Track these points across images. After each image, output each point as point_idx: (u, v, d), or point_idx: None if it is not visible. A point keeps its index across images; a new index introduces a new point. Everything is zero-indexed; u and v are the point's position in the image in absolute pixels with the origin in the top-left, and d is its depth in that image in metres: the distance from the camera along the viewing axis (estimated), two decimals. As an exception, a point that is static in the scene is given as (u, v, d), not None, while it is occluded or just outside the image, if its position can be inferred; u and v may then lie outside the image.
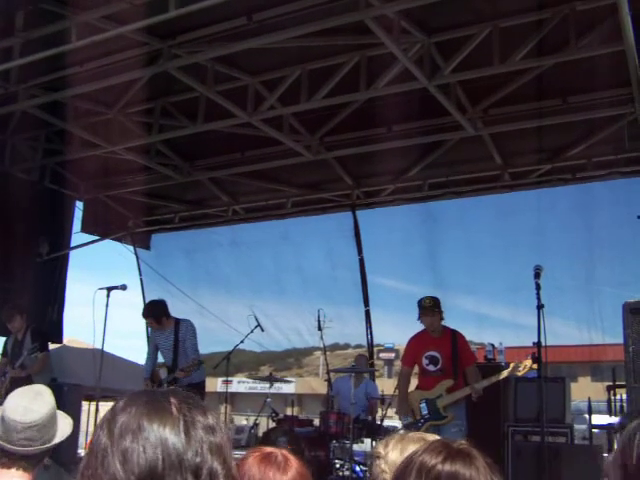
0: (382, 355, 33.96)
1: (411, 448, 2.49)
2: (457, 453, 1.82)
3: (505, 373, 7.09)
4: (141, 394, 1.34)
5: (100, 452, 1.25)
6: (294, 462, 2.06)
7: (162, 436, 1.22)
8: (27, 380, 8.31)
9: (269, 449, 2.14)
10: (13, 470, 2.71)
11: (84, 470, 1.25)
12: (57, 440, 2.83)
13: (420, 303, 7.37)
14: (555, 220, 10.13)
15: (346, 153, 9.84)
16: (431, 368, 7.35)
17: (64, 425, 2.93)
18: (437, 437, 2.53)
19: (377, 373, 27.42)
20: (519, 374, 7.01)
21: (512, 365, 7.03)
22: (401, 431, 8.19)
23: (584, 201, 9.68)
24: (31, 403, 2.53)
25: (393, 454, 2.52)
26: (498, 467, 1.78)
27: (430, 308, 7.30)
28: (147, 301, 9.03)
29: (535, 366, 6.60)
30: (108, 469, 1.22)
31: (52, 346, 10.62)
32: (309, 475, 2.06)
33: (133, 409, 1.27)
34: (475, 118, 8.54)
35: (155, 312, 8.68)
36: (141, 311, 8.89)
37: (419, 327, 7.58)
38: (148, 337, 9.43)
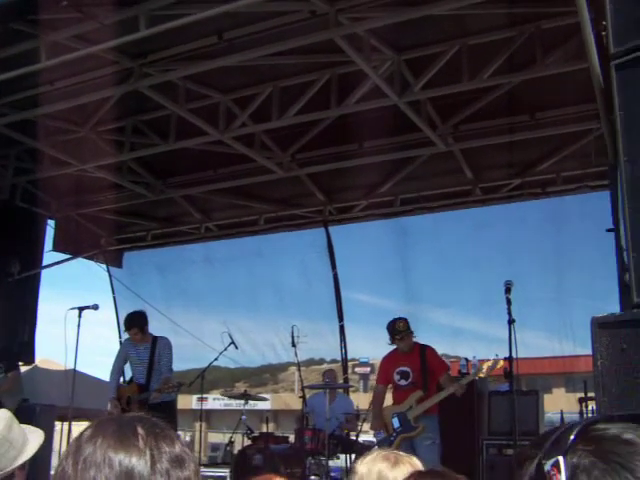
0: (357, 369, 33.96)
1: (379, 464, 2.55)
2: (430, 474, 1.87)
3: (481, 374, 7.15)
4: (108, 423, 1.32)
5: None
6: None
7: (127, 469, 1.21)
8: (-7, 400, 8.23)
9: (278, 478, 2.11)
10: None
11: None
12: (20, 461, 2.78)
13: (394, 327, 7.45)
14: (526, 233, 10.23)
15: (318, 170, 9.88)
16: (402, 383, 7.46)
17: (34, 441, 2.89)
18: (415, 459, 2.58)
19: (353, 388, 27.41)
20: (490, 375, 7.07)
21: (487, 365, 7.08)
22: (375, 447, 8.22)
23: (554, 215, 9.79)
24: None
25: (362, 468, 2.58)
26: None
27: (407, 331, 7.42)
28: (126, 315, 8.94)
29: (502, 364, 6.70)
30: None
31: (24, 367, 10.52)
32: None
33: (99, 440, 1.25)
34: (446, 134, 8.63)
35: (141, 322, 8.64)
36: (123, 323, 8.81)
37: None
38: (119, 351, 9.33)
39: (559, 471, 0.98)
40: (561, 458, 0.99)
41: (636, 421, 1.04)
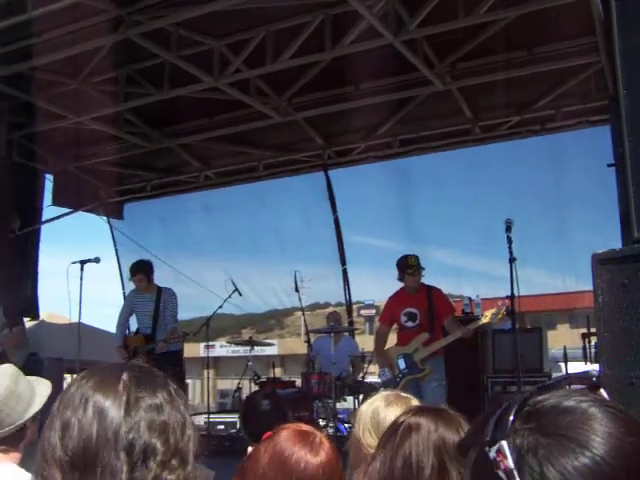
0: (363, 312, 34.12)
1: (376, 402, 2.58)
2: (425, 410, 1.89)
3: (485, 320, 7.16)
4: (98, 369, 1.33)
5: (48, 421, 1.26)
6: (327, 446, 2.00)
7: (100, 411, 1.21)
8: (2, 357, 8.29)
9: (307, 428, 2.10)
10: None
11: (41, 440, 1.26)
12: (30, 414, 2.81)
13: (407, 261, 7.42)
14: (526, 171, 10.20)
15: (315, 113, 9.78)
16: (409, 324, 7.45)
17: (39, 397, 2.92)
18: (414, 400, 2.60)
19: (358, 330, 27.58)
20: (495, 321, 7.09)
21: (491, 312, 7.09)
22: (381, 389, 8.30)
23: (554, 151, 9.72)
24: None
25: (362, 407, 2.64)
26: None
27: (418, 266, 7.39)
28: (132, 262, 8.96)
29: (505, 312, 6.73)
30: (50, 440, 1.22)
31: (31, 322, 10.59)
32: (339, 462, 2.02)
33: (83, 382, 1.26)
34: (443, 73, 8.50)
35: (146, 269, 8.67)
36: (129, 270, 8.85)
37: (397, 283, 7.65)
38: (124, 301, 9.38)
39: (505, 457, 0.93)
40: (504, 443, 0.94)
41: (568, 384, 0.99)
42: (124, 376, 1.26)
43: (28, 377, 2.96)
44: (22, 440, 2.81)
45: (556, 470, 0.90)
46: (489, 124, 9.86)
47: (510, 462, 0.92)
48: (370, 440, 2.46)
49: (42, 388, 2.95)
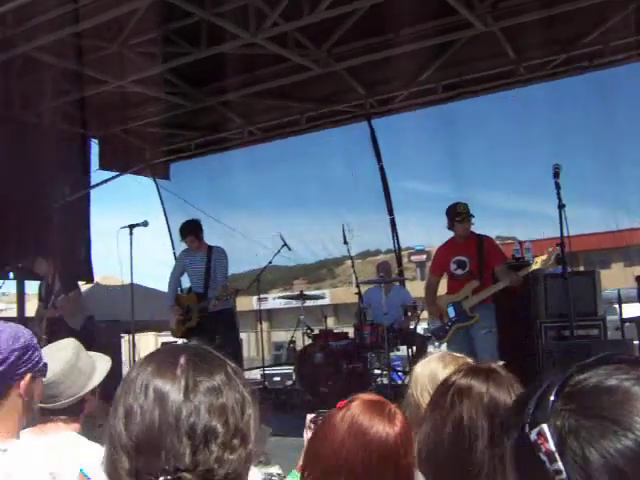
0: (413, 258, 34.04)
1: (433, 364, 2.60)
2: (476, 370, 1.87)
3: (536, 266, 7.08)
4: (158, 352, 1.37)
5: (113, 407, 1.29)
6: (401, 416, 2.03)
7: (161, 396, 1.24)
8: (61, 322, 8.50)
9: (378, 397, 2.14)
10: (59, 424, 2.81)
11: (107, 426, 1.29)
12: (89, 388, 2.89)
13: (456, 209, 7.36)
14: (574, 110, 9.95)
15: (355, 63, 9.63)
16: (459, 272, 7.41)
17: (99, 371, 2.99)
18: (463, 358, 2.60)
19: (410, 276, 27.60)
20: (547, 267, 7.00)
21: (541, 259, 7.00)
22: (428, 334, 8.32)
23: (602, 88, 9.45)
24: (48, 361, 2.58)
25: (417, 368, 2.65)
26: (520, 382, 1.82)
27: (467, 214, 7.32)
28: (182, 223, 9.06)
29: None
30: (115, 426, 1.26)
31: (85, 285, 10.82)
32: (412, 431, 2.04)
33: (143, 367, 1.30)
34: (484, 13, 8.25)
35: (196, 229, 8.76)
36: (179, 232, 8.93)
37: (445, 229, 7.59)
38: (176, 261, 9.51)
39: (546, 439, 0.92)
40: (545, 425, 0.92)
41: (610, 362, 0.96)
42: (182, 360, 1.28)
43: (90, 352, 3.04)
44: (81, 412, 2.90)
45: (598, 453, 0.88)
46: (534, 64, 9.60)
47: (551, 445, 0.91)
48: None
49: (102, 364, 3.03)
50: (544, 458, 0.91)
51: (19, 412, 2.04)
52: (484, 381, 1.82)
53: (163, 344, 10.94)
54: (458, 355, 2.68)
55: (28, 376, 2.03)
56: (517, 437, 0.97)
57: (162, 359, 1.31)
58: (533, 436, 0.93)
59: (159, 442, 1.21)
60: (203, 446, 1.21)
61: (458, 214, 7.33)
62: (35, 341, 2.12)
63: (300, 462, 2.23)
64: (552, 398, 0.94)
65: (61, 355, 2.82)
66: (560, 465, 0.90)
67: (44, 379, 2.68)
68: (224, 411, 1.25)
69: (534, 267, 7.08)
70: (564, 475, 0.89)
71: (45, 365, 2.18)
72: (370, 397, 2.14)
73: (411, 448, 2.06)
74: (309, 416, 2.59)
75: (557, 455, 0.90)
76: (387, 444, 1.97)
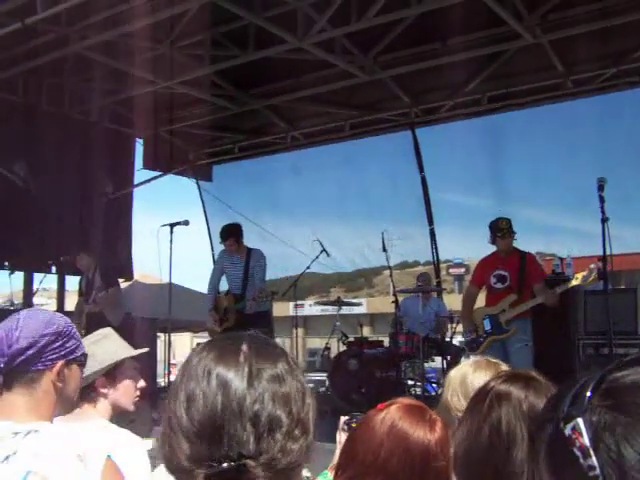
0: (452, 271, 33.89)
1: (466, 367, 2.59)
2: (515, 376, 1.85)
3: (575, 282, 6.98)
4: (219, 339, 1.37)
5: (172, 392, 1.29)
6: (440, 422, 2.07)
7: (224, 383, 1.23)
8: (100, 317, 8.60)
9: (417, 403, 2.16)
10: (85, 405, 2.85)
11: (164, 411, 1.29)
12: (97, 368, 2.91)
13: (497, 225, 7.32)
14: (621, 126, 9.80)
15: (401, 71, 9.63)
16: (499, 286, 7.35)
17: (120, 354, 3.02)
18: (503, 365, 2.58)
19: (448, 289, 27.41)
20: (586, 284, 6.89)
21: (582, 274, 6.91)
22: (462, 346, 8.25)
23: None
24: (88, 348, 2.60)
25: (452, 372, 2.68)
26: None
27: (507, 229, 7.27)
28: (223, 226, 9.11)
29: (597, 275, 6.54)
30: (175, 411, 1.25)
31: (125, 282, 10.94)
32: (449, 436, 2.05)
33: (204, 354, 1.29)
34: (533, 25, 8.19)
35: (237, 233, 8.80)
36: (219, 235, 8.95)
37: (486, 242, 7.53)
38: (215, 263, 9.57)
39: (581, 434, 0.90)
40: (580, 420, 0.91)
41: None
42: (244, 347, 1.28)
43: (118, 341, 3.07)
44: (95, 393, 2.93)
45: (634, 450, 0.86)
46: (582, 77, 9.50)
47: (586, 440, 0.89)
48: (458, 404, 2.49)
49: (126, 351, 3.05)
50: (578, 453, 0.90)
51: (52, 397, 2.06)
52: (523, 387, 1.80)
53: (198, 344, 11.00)
54: (493, 360, 2.67)
55: (60, 362, 2.05)
56: (551, 432, 0.96)
57: (224, 346, 1.30)
58: (567, 431, 0.92)
59: (222, 428, 1.20)
60: (267, 434, 1.21)
61: (500, 229, 7.29)
62: (73, 330, 2.14)
63: (333, 462, 2.23)
64: (588, 394, 0.93)
65: (103, 343, 2.86)
66: (594, 460, 0.88)
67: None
68: (288, 400, 1.25)
69: (574, 283, 6.98)
70: (597, 471, 0.88)
71: (85, 356, 2.21)
72: (410, 402, 2.15)
73: (449, 454, 2.06)
74: (343, 418, 2.60)
75: (591, 450, 0.89)
76: (429, 450, 1.99)
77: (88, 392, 2.90)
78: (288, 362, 1.30)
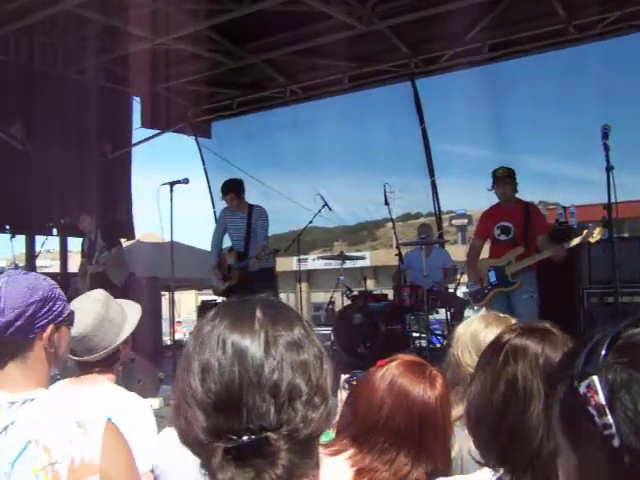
0: (454, 222, 33.82)
1: (475, 323, 2.57)
2: (531, 330, 1.81)
3: (577, 240, 6.94)
4: (230, 304, 1.31)
5: (184, 362, 1.25)
6: (441, 378, 2.08)
7: (240, 351, 1.19)
8: (104, 277, 8.60)
9: (418, 359, 2.15)
10: (95, 375, 2.84)
11: (178, 381, 1.25)
12: (122, 338, 2.90)
13: (493, 173, 7.26)
14: (625, 71, 9.66)
15: (400, 21, 9.47)
16: (503, 238, 7.30)
17: (132, 316, 3.00)
18: (512, 320, 2.56)
19: (451, 240, 27.47)
20: (592, 240, 6.85)
21: (585, 232, 6.86)
22: (466, 297, 8.26)
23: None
24: (78, 315, 2.57)
25: (459, 328, 2.68)
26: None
27: (502, 178, 7.22)
28: (224, 181, 9.05)
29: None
30: (190, 383, 1.21)
31: (126, 242, 10.93)
32: (450, 392, 2.09)
33: (217, 320, 1.24)
34: (534, -30, 8.05)
35: (237, 188, 8.74)
36: (220, 190, 8.87)
37: (488, 193, 7.47)
38: (216, 220, 9.53)
39: (596, 392, 0.89)
40: (595, 378, 0.90)
41: None
42: (258, 313, 1.23)
43: (119, 300, 3.04)
44: (116, 362, 2.94)
45: None
46: (585, 22, 9.33)
47: (601, 398, 0.89)
48: (470, 360, 2.48)
49: (132, 312, 3.03)
50: (593, 412, 0.89)
51: (45, 363, 2.03)
52: (539, 341, 1.76)
53: (203, 302, 11.04)
54: (502, 315, 2.64)
55: (50, 327, 2.02)
56: (565, 391, 0.95)
57: (237, 312, 1.25)
58: (582, 389, 0.91)
59: (240, 399, 1.16)
60: (287, 405, 1.17)
61: (497, 177, 7.23)
62: (57, 291, 2.09)
63: (335, 420, 2.23)
64: (603, 352, 0.92)
65: (91, 308, 2.84)
66: (610, 419, 0.88)
67: (78, 332, 2.69)
68: (307, 368, 1.21)
69: (578, 241, 6.92)
70: (613, 429, 0.87)
71: (72, 314, 2.17)
72: (411, 358, 2.13)
73: (449, 410, 2.05)
74: (343, 376, 2.59)
75: (607, 409, 0.88)
76: (429, 406, 2.01)
77: (112, 359, 2.89)
78: (304, 327, 1.26)
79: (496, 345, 1.81)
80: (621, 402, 0.88)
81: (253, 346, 1.19)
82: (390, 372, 2.04)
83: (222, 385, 1.18)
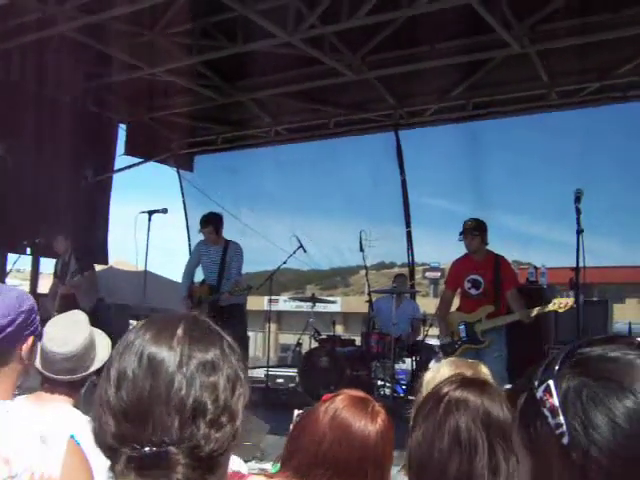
0: (428, 274, 34.04)
1: (444, 368, 2.58)
2: (470, 382, 1.85)
3: (550, 308, 7.00)
4: (159, 319, 1.35)
5: (107, 367, 1.28)
6: (383, 413, 2.07)
7: (154, 366, 1.23)
8: (73, 301, 8.54)
9: (362, 394, 2.16)
10: (56, 395, 2.81)
11: (100, 385, 1.28)
12: (97, 365, 2.90)
13: (463, 224, 7.30)
14: (603, 140, 9.91)
15: (389, 72, 9.66)
16: (473, 292, 7.29)
17: (102, 348, 3.00)
18: (482, 366, 2.59)
19: (423, 292, 27.52)
20: (560, 311, 6.92)
21: (556, 302, 6.92)
22: (437, 350, 8.28)
23: (634, 120, 9.41)
24: (68, 333, 2.58)
25: (428, 374, 2.61)
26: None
27: (469, 230, 7.21)
28: (203, 214, 9.07)
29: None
30: (106, 389, 1.25)
31: (99, 267, 10.87)
32: (392, 428, 2.08)
33: (141, 333, 1.28)
34: (521, 35, 8.25)
35: (216, 222, 8.77)
36: (199, 222, 8.87)
37: (463, 248, 7.50)
38: (191, 253, 9.53)
39: (551, 395, 1.00)
40: (551, 382, 1.01)
41: (614, 342, 1.04)
42: (179, 331, 1.27)
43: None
44: (83, 386, 2.91)
45: (599, 411, 0.96)
46: (567, 90, 9.59)
47: (555, 400, 0.99)
48: None
49: (103, 346, 3.02)
50: (547, 413, 1.00)
51: (17, 374, 2.05)
52: (479, 394, 1.80)
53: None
54: (470, 360, 2.66)
55: (31, 339, 2.04)
56: (525, 399, 1.06)
57: (160, 327, 1.29)
58: (539, 393, 1.02)
59: (148, 411, 1.20)
60: (192, 421, 1.20)
61: (463, 229, 7.26)
62: (36, 306, 2.13)
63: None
64: (559, 363, 1.03)
65: (82, 328, 2.83)
66: (562, 419, 0.98)
67: (70, 350, 2.68)
68: (215, 388, 1.24)
69: (550, 308, 6.98)
70: (564, 428, 0.97)
71: (41, 330, 2.20)
72: (355, 393, 2.15)
73: (390, 447, 2.08)
74: (296, 412, 2.59)
75: (560, 410, 0.98)
76: (369, 440, 2.00)
77: (80, 384, 2.87)
78: (222, 349, 1.29)
79: (436, 396, 1.85)
80: (572, 405, 0.98)
81: (167, 362, 1.23)
82: (334, 406, 2.06)
83: (134, 395, 1.21)
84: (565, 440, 0.97)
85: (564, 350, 1.05)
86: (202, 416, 1.21)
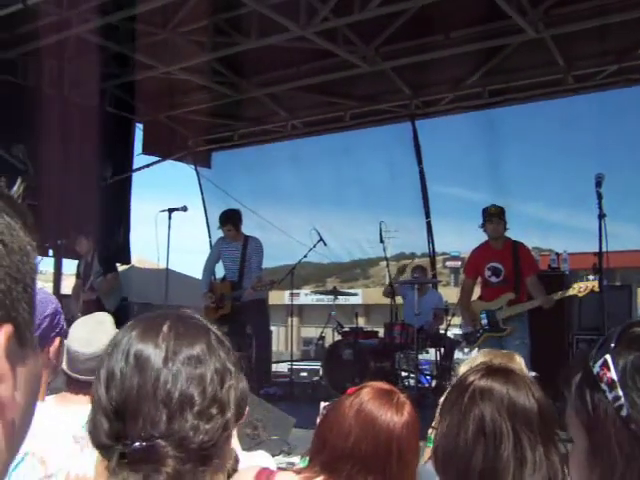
0: (448, 264, 33.93)
1: (480, 360, 2.57)
2: (495, 371, 1.85)
3: (567, 293, 6.98)
4: (146, 317, 1.36)
5: (98, 369, 1.31)
6: (409, 405, 2.08)
7: (141, 363, 1.25)
8: (97, 302, 8.60)
9: (388, 386, 2.17)
10: (80, 395, 2.84)
11: (93, 385, 1.30)
12: None
13: (485, 210, 7.30)
14: (621, 123, 9.80)
15: (403, 63, 9.63)
16: (493, 279, 7.30)
17: None
18: (517, 356, 2.59)
19: (444, 282, 27.47)
20: (580, 295, 6.89)
21: (576, 286, 6.90)
22: (460, 339, 8.27)
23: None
24: (92, 334, 2.60)
25: (462, 368, 2.62)
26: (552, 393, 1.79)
27: (496, 215, 7.22)
28: (222, 211, 9.10)
29: (596, 288, 6.53)
30: (98, 389, 1.27)
31: (121, 267, 10.94)
32: (418, 420, 2.09)
33: (129, 331, 1.30)
34: (536, 20, 8.18)
35: (235, 219, 8.80)
36: (219, 219, 8.92)
37: (482, 235, 7.51)
38: (211, 249, 9.56)
39: (609, 369, 1.02)
40: (609, 356, 1.03)
41: None
42: (164, 328, 1.28)
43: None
44: None
45: None
46: (583, 73, 9.51)
47: (613, 374, 1.02)
48: None
49: None
50: (605, 387, 1.02)
51: (45, 376, 2.07)
52: (504, 382, 1.79)
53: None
54: (504, 351, 2.67)
55: (58, 340, 2.06)
56: (581, 376, 1.08)
57: (147, 325, 1.31)
58: (596, 369, 1.04)
59: (137, 408, 1.22)
60: (179, 414, 1.22)
61: (489, 214, 7.25)
62: (60, 306, 2.15)
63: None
64: (614, 340, 1.04)
65: (106, 328, 2.86)
66: (620, 391, 1.00)
67: (95, 351, 2.72)
68: (202, 380, 1.26)
69: (571, 292, 6.95)
70: (622, 400, 1.00)
71: (67, 330, 2.22)
72: (380, 385, 2.15)
73: (416, 438, 2.08)
74: (323, 404, 2.60)
75: (618, 383, 1.01)
76: (393, 432, 2.01)
77: None
78: (208, 342, 1.30)
79: (461, 386, 1.83)
80: (631, 378, 1.01)
81: (153, 358, 1.25)
82: (359, 399, 2.06)
83: (122, 394, 1.24)
84: (624, 412, 1.00)
85: (618, 329, 1.07)
86: (189, 408, 1.23)
